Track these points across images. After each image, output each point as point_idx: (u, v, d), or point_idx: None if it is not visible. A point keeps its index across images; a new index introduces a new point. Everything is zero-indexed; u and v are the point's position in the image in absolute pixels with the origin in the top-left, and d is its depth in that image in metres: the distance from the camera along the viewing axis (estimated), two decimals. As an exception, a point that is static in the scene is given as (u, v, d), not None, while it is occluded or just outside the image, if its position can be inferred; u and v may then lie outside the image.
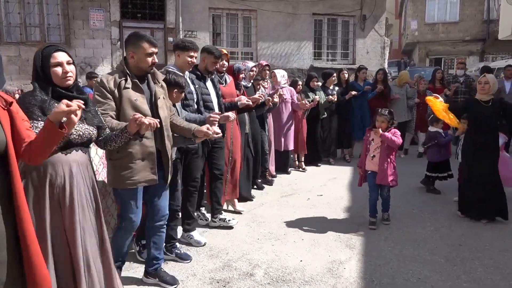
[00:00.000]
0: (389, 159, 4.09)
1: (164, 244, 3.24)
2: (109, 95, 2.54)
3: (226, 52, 4.24)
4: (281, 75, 6.11)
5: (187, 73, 3.60)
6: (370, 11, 10.59)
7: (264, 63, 5.90)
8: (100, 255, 2.29)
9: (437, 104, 4.35)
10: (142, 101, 2.62)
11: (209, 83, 3.96)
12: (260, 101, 4.48)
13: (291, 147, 6.23)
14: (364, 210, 4.71)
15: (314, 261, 3.42)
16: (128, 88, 2.58)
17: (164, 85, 2.88)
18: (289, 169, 6.44)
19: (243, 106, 4.23)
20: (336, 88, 6.96)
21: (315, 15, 10.55)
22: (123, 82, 2.57)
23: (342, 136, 7.17)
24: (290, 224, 4.29)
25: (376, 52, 10.81)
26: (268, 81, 5.95)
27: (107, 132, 2.39)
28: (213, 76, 4.02)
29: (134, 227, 2.79)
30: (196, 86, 3.68)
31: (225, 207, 4.53)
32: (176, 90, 3.10)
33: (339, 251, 3.63)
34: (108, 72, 2.67)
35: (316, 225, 4.26)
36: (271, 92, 5.67)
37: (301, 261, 3.43)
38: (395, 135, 4.07)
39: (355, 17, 10.66)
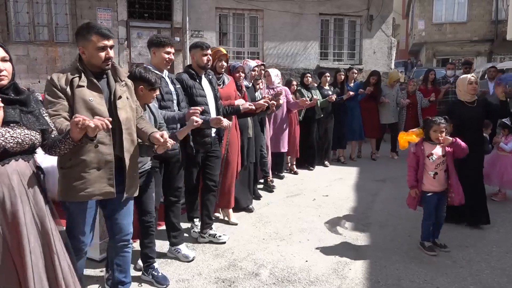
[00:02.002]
0: (457, 175, 3.49)
1: (142, 264, 3.11)
2: (61, 94, 2.23)
3: (225, 52, 3.98)
4: (275, 74, 5.92)
5: (166, 72, 3.32)
6: (377, 11, 10.54)
7: (260, 62, 5.67)
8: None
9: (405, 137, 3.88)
10: (99, 102, 2.29)
11: (205, 83, 3.67)
12: (269, 103, 4.27)
13: (284, 149, 6.06)
14: (369, 210, 4.71)
15: (320, 262, 3.42)
16: (83, 86, 2.26)
17: (130, 83, 2.55)
18: (282, 174, 6.23)
19: (246, 111, 3.99)
20: (332, 88, 6.93)
21: (321, 15, 10.51)
22: (76, 79, 2.26)
23: (336, 137, 7.14)
24: (295, 224, 4.28)
25: (383, 52, 10.76)
26: (263, 80, 5.77)
27: (54, 135, 2.09)
28: (210, 76, 3.77)
29: (83, 248, 2.44)
30: (176, 86, 3.38)
31: (220, 216, 4.41)
32: (142, 86, 2.72)
33: (344, 251, 3.63)
34: (60, 70, 2.35)
35: (322, 225, 4.26)
36: (272, 94, 5.50)
37: (306, 261, 3.43)
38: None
39: (362, 17, 10.61)
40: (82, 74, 2.29)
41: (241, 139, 4.39)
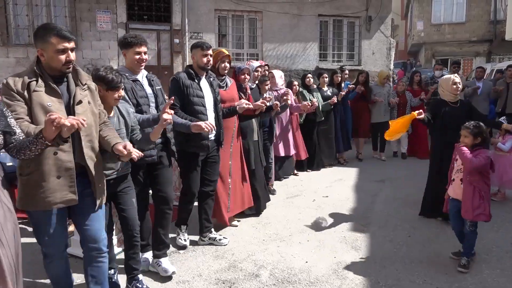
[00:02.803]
0: (473, 186, 3.24)
1: (126, 276, 2.94)
2: (19, 97, 2.12)
3: (228, 53, 3.86)
4: (279, 76, 5.79)
5: (144, 72, 3.12)
6: (376, 12, 10.56)
7: (263, 63, 5.57)
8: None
9: (394, 125, 4.14)
10: (58, 107, 2.18)
11: (204, 84, 3.52)
12: (267, 104, 4.07)
13: (292, 151, 6.02)
14: (369, 211, 4.72)
15: (320, 262, 3.43)
16: (40, 91, 2.15)
17: (93, 86, 2.43)
18: (282, 177, 6.15)
19: (243, 111, 3.83)
20: (331, 88, 6.93)
21: (320, 16, 10.54)
22: (33, 83, 2.14)
23: (342, 140, 7.13)
24: (295, 225, 4.29)
25: (382, 53, 10.78)
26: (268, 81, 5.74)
27: (19, 138, 2.01)
28: (211, 79, 3.62)
29: (57, 252, 2.37)
30: (156, 88, 3.18)
31: (236, 223, 4.28)
32: (99, 86, 2.55)
33: (344, 252, 3.64)
34: (16, 73, 2.23)
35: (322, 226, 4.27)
36: (277, 95, 5.45)
37: (306, 262, 3.44)
38: (478, 155, 3.21)
39: (361, 18, 10.64)
40: (39, 78, 2.18)
41: (246, 142, 4.31)
